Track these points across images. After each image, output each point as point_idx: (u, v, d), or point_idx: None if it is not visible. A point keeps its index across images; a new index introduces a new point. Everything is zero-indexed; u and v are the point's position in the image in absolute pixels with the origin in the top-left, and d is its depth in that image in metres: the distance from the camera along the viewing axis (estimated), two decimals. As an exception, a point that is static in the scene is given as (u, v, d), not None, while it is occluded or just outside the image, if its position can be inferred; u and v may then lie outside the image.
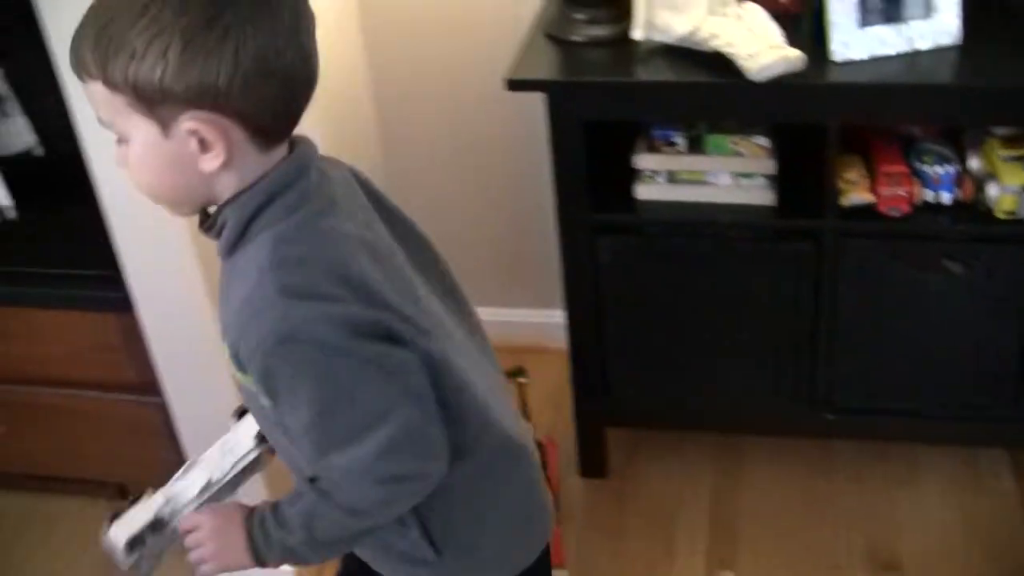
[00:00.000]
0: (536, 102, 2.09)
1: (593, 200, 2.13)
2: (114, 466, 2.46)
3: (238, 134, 1.18)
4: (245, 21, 1.12)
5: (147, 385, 2.21)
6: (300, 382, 1.21)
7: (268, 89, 1.16)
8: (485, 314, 2.78)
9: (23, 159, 2.01)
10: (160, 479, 2.48)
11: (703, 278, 2.18)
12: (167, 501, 1.43)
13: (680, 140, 2.13)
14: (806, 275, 2.12)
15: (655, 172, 2.14)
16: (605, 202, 2.15)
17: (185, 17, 1.10)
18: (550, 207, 2.22)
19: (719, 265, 2.16)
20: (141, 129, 1.17)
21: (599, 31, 2.07)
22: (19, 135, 1.98)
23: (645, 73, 2.02)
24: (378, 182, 2.63)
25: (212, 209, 1.26)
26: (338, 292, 1.20)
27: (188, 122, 1.15)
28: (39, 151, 2.02)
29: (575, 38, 2.09)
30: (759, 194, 2.13)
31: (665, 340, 2.28)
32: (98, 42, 1.12)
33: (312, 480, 1.31)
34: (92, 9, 1.15)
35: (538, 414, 2.45)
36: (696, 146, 2.13)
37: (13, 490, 2.66)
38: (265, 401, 1.26)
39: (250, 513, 1.37)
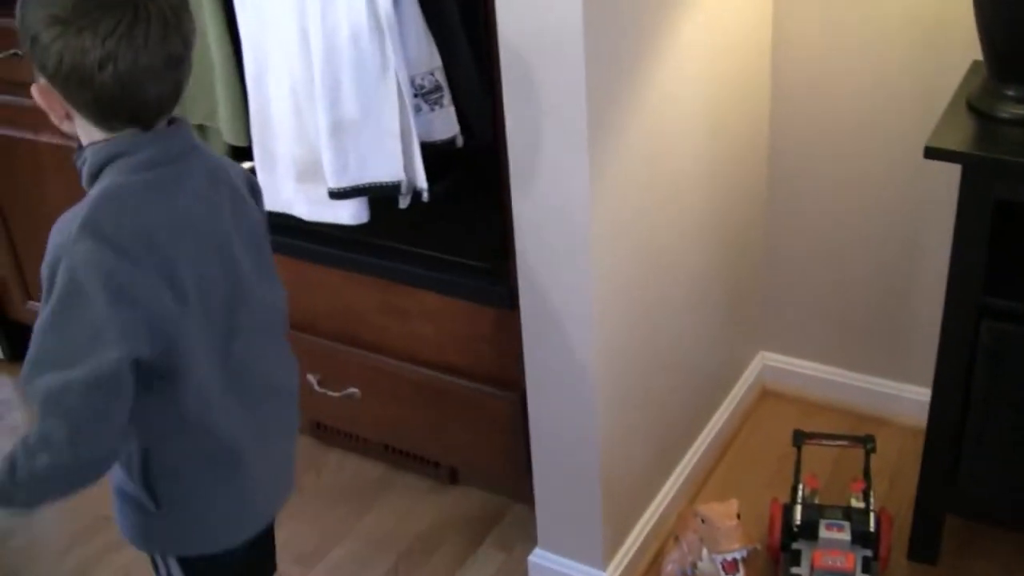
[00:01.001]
0: (939, 171, 2.06)
1: (987, 281, 2.07)
2: (453, 451, 2.56)
3: (71, 108, 1.44)
4: (70, 35, 1.35)
5: (508, 380, 2.30)
6: (54, 296, 1.40)
7: (83, 95, 1.40)
8: (837, 375, 2.78)
9: (445, 148, 2.12)
10: (496, 474, 2.57)
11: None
12: None
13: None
14: None
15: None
16: (999, 286, 2.09)
17: (43, 10, 1.37)
18: (931, 281, 2.17)
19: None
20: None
21: (1028, 111, 2.02)
22: (446, 124, 2.09)
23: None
24: (758, 223, 2.64)
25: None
26: (129, 247, 1.41)
27: (38, 80, 1.43)
28: (460, 141, 2.13)
29: (1001, 114, 2.03)
30: None
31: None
32: None
33: None
34: None
35: (885, 488, 2.40)
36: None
37: (352, 451, 2.83)
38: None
39: None
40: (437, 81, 2.05)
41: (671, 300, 2.33)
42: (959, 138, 2.03)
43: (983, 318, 2.09)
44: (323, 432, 2.84)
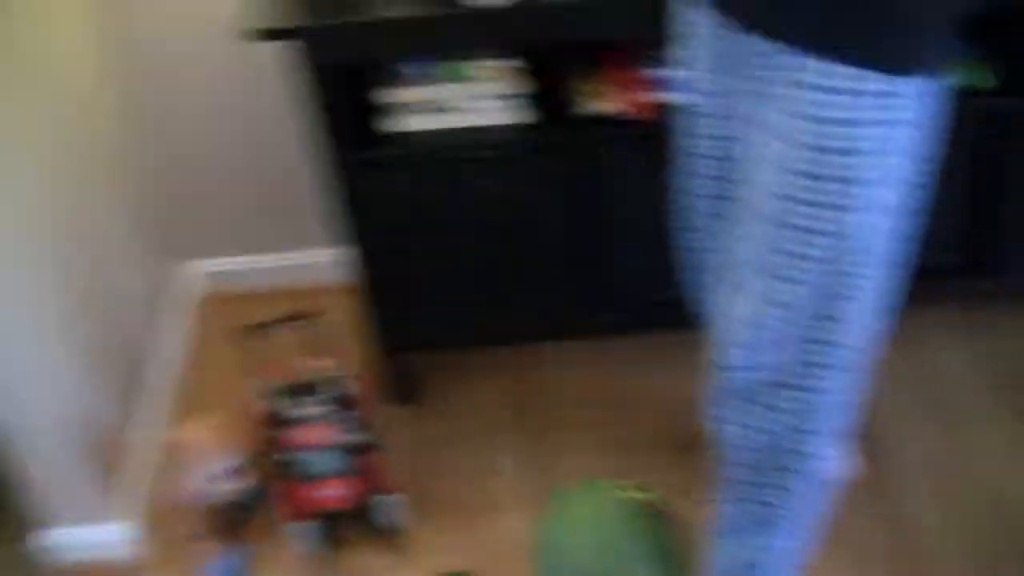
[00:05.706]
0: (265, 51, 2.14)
1: (350, 139, 2.19)
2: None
3: None
4: None
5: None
6: None
7: None
8: (263, 262, 2.93)
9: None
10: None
11: (469, 201, 2.30)
12: None
13: (421, 72, 2.22)
14: (566, 188, 2.28)
15: (404, 105, 2.23)
16: (362, 140, 2.24)
17: None
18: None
19: (483, 186, 2.28)
20: None
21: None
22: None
23: (383, 11, 2.06)
24: (136, 151, 2.53)
25: None
26: None
27: None
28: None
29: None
30: (511, 114, 2.24)
31: (448, 265, 2.40)
32: None
33: None
34: None
35: (347, 350, 2.54)
36: (441, 76, 2.22)
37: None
38: None
39: None
40: None
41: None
42: (278, 13, 2.05)
43: (361, 173, 2.23)
44: None
